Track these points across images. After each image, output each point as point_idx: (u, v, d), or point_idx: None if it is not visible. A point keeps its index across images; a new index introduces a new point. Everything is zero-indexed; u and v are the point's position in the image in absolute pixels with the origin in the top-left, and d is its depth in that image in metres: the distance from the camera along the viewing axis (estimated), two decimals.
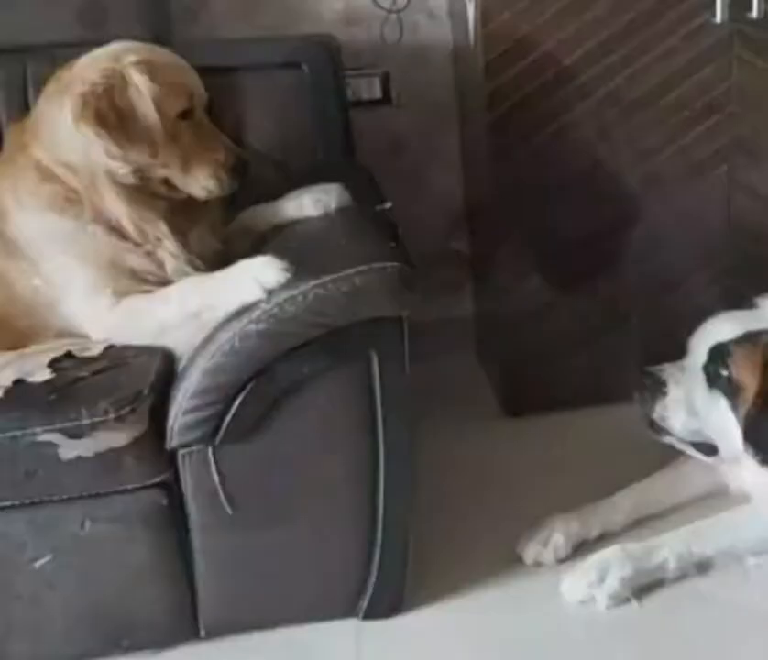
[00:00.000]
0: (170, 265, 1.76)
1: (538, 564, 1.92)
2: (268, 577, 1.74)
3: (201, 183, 1.75)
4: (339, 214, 1.86)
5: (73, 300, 1.75)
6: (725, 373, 1.85)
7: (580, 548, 1.93)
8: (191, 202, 1.78)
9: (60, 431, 1.56)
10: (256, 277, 1.59)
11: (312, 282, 1.57)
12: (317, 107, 2.17)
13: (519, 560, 1.94)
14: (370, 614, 1.79)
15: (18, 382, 1.64)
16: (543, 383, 2.43)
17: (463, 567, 1.92)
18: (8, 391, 1.62)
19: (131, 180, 1.71)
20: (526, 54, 2.24)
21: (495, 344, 2.56)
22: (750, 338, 1.85)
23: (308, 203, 1.88)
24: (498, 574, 1.91)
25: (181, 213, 1.79)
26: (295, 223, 1.87)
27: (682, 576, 1.83)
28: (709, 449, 1.94)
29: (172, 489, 1.65)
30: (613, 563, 1.81)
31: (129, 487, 1.62)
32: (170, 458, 1.63)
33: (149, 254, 1.75)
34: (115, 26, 2.11)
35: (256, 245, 1.83)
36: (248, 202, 1.92)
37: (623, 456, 2.13)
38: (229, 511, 1.66)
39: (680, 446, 1.97)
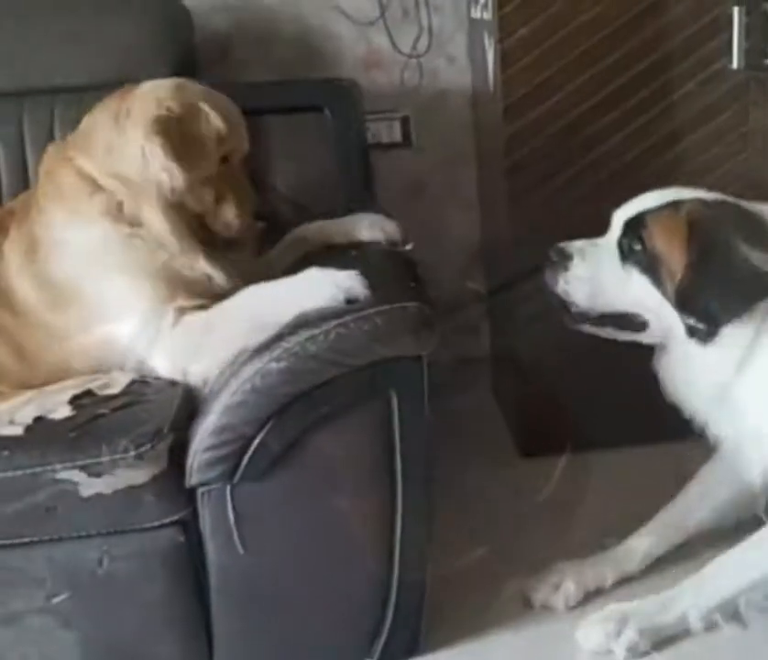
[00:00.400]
0: (218, 278, 1.79)
1: (546, 608, 1.90)
2: (283, 617, 1.73)
3: (222, 224, 1.81)
4: (361, 252, 1.89)
5: (130, 314, 1.74)
6: (638, 247, 1.74)
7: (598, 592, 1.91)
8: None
9: (80, 468, 1.56)
10: (338, 283, 1.61)
11: (334, 322, 1.58)
12: (338, 150, 2.19)
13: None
14: (386, 657, 1.77)
15: (39, 419, 1.65)
16: (559, 424, 2.42)
17: (479, 609, 1.91)
18: (29, 429, 1.63)
19: (176, 198, 1.76)
20: (545, 99, 2.27)
21: (511, 384, 2.56)
22: (668, 208, 1.74)
23: (364, 228, 1.95)
24: (514, 617, 1.90)
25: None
26: (325, 253, 1.92)
27: (711, 625, 1.76)
28: (638, 325, 1.81)
29: (190, 527, 1.65)
30: (631, 616, 1.75)
31: (148, 525, 1.62)
32: (189, 496, 1.63)
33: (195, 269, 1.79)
34: (142, 69, 2.15)
35: (300, 262, 1.87)
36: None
37: (640, 499, 2.10)
38: (241, 550, 1.65)
39: (602, 333, 1.85)
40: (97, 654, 1.69)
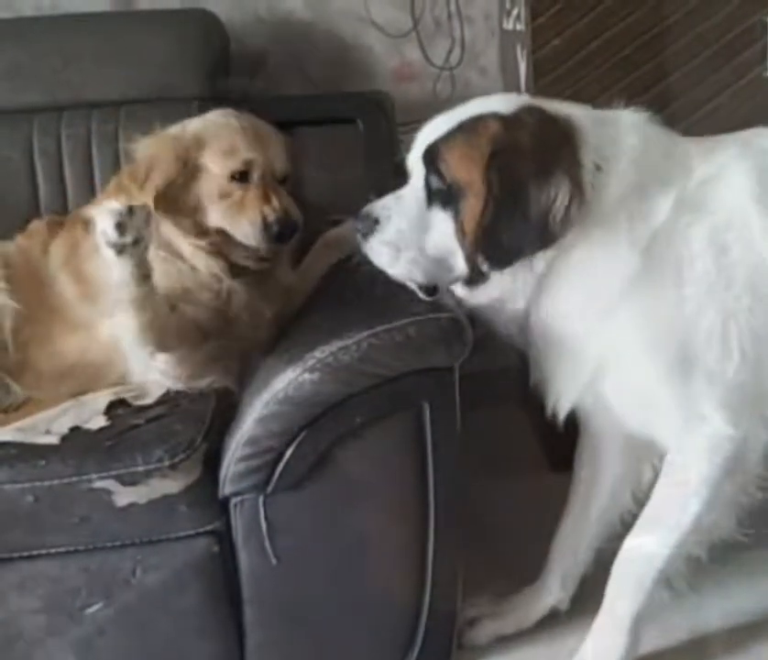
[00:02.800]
0: (236, 301, 1.86)
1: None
2: (315, 628, 1.73)
3: (244, 234, 1.84)
4: None
5: None
6: (438, 184, 1.60)
7: None
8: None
9: (116, 478, 1.58)
10: None
11: (366, 332, 1.59)
12: (371, 162, 2.20)
13: (566, 615, 1.92)
14: None
15: (75, 429, 1.68)
16: None
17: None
18: (65, 438, 1.65)
19: (188, 226, 1.86)
20: None
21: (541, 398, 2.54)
22: (463, 128, 1.59)
23: None
24: (545, 629, 1.90)
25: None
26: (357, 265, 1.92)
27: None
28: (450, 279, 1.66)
29: (223, 537, 1.66)
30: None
31: (181, 534, 1.64)
32: (222, 507, 1.64)
33: (218, 292, 1.86)
34: (177, 84, 2.19)
35: (331, 272, 1.97)
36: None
37: None
38: (273, 560, 1.65)
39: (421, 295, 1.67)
40: None
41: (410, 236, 1.62)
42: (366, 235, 1.64)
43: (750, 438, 1.62)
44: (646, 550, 1.67)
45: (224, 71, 2.39)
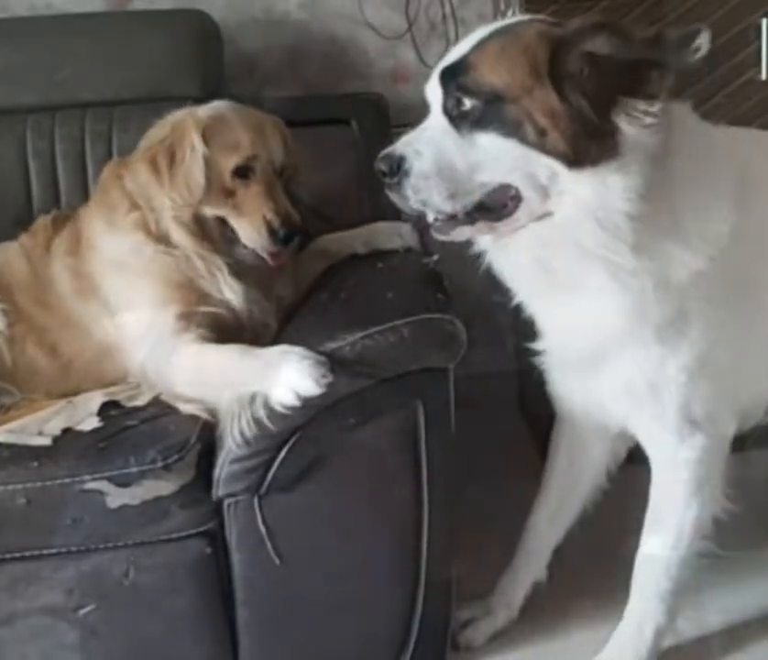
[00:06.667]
0: (240, 305, 1.84)
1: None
2: (309, 629, 1.73)
3: (247, 235, 1.83)
4: (388, 264, 1.89)
5: (135, 314, 1.82)
6: (467, 101, 1.41)
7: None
8: None
9: (108, 479, 1.58)
10: (292, 385, 1.57)
11: (360, 333, 1.59)
12: (365, 163, 2.19)
13: (560, 616, 1.92)
14: None
15: (67, 431, 1.67)
16: None
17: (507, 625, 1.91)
18: (57, 440, 1.65)
19: (187, 216, 1.84)
20: None
21: (537, 399, 2.54)
22: (494, 38, 1.43)
23: (382, 237, 1.97)
24: (538, 629, 1.90)
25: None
26: (351, 266, 1.94)
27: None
28: (511, 203, 1.46)
29: (217, 538, 1.65)
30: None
31: (174, 536, 1.63)
32: (216, 508, 1.64)
33: (222, 290, 1.84)
34: (171, 84, 2.18)
35: (325, 274, 1.96)
36: None
37: None
38: (277, 561, 1.65)
39: (480, 233, 1.54)
40: None
41: (454, 163, 1.43)
42: (397, 180, 1.46)
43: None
44: (657, 556, 1.68)
45: (219, 72, 2.38)
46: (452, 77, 1.44)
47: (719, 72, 2.26)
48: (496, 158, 1.42)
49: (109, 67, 2.26)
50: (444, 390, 1.66)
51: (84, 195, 2.14)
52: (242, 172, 1.82)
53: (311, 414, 1.59)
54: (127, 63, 2.26)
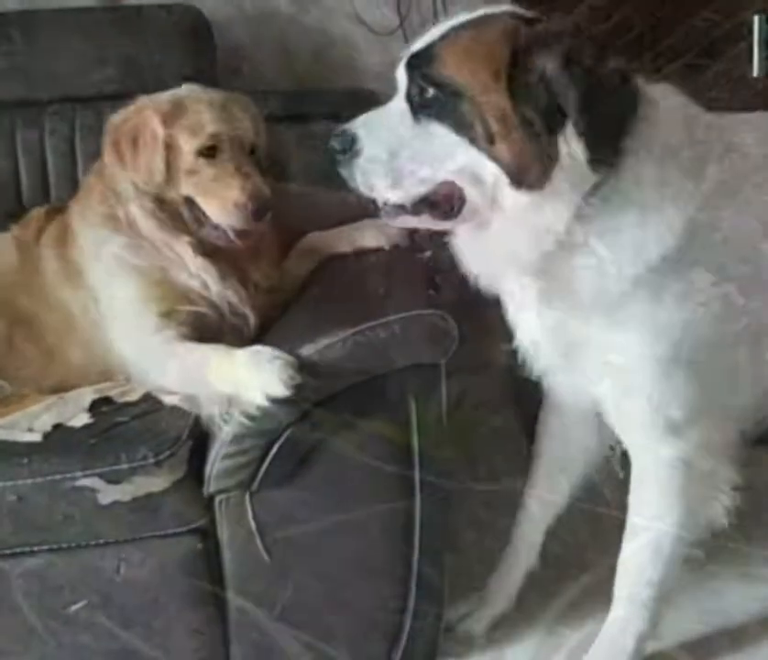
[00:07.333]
0: (214, 288, 1.84)
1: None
2: (300, 625, 1.72)
3: (216, 213, 1.82)
4: (379, 259, 1.89)
5: (115, 311, 1.83)
6: (430, 89, 1.39)
7: None
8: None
9: (99, 476, 1.57)
10: (262, 386, 1.56)
11: (351, 330, 1.58)
12: None
13: (552, 618, 1.92)
14: None
15: (58, 426, 1.67)
16: None
17: (496, 622, 1.91)
18: (48, 436, 1.64)
19: (150, 203, 1.84)
20: None
21: (531, 397, 2.54)
22: (466, 30, 1.40)
23: (368, 235, 1.95)
24: (531, 630, 1.89)
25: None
26: (341, 263, 1.92)
27: None
28: (455, 204, 1.46)
29: (208, 535, 1.65)
30: None
31: (165, 532, 1.63)
32: (207, 504, 1.63)
33: (194, 276, 1.84)
34: (162, 79, 2.17)
35: (314, 272, 1.96)
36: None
37: None
38: (267, 558, 1.65)
39: (421, 225, 1.55)
40: None
41: (403, 152, 1.43)
42: (348, 157, 1.45)
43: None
44: (637, 563, 1.65)
45: (210, 67, 2.37)
46: (417, 65, 1.42)
47: (711, 70, 2.26)
48: (445, 153, 1.41)
49: (99, 61, 2.26)
50: (435, 386, 1.66)
51: (74, 190, 2.13)
52: (207, 152, 1.81)
53: (302, 410, 1.59)
54: (117, 58, 2.27)
